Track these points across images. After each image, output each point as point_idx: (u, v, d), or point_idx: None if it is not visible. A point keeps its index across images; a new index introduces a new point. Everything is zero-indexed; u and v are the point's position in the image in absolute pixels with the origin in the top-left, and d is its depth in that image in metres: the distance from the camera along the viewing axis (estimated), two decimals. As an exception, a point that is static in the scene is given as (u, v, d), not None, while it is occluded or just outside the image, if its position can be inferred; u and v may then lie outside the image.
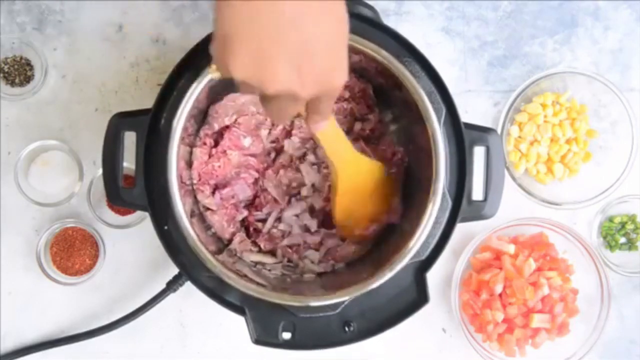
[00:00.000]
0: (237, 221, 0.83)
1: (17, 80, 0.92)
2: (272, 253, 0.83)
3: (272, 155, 0.84)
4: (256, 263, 0.82)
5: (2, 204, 0.92)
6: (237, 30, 0.54)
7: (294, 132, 0.83)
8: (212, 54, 0.56)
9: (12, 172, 0.90)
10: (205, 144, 0.81)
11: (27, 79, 0.92)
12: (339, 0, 0.57)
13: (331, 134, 0.73)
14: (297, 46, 0.54)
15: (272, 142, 0.83)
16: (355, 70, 0.82)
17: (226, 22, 0.54)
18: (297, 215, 0.83)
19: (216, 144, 0.82)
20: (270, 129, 0.83)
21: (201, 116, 0.82)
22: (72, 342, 0.90)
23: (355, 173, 0.78)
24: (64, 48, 0.92)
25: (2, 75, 0.92)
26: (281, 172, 0.83)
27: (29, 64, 0.92)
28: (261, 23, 0.53)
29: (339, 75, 0.58)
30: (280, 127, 0.83)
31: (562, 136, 0.92)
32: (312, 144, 0.83)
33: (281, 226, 0.83)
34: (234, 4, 0.53)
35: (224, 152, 0.82)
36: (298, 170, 0.83)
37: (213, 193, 0.82)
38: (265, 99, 0.58)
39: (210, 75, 0.62)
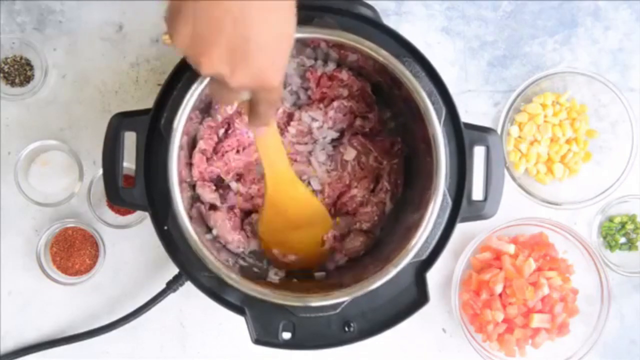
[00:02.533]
0: (240, 219, 0.83)
1: (17, 80, 0.92)
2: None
3: None
4: (259, 265, 0.83)
5: (2, 204, 0.92)
6: (185, 7, 0.56)
7: (292, 123, 0.83)
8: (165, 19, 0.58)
9: (12, 172, 0.90)
10: (210, 139, 0.81)
11: (27, 79, 0.92)
12: (290, 1, 0.58)
13: (270, 144, 0.75)
14: (237, 37, 0.56)
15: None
16: (354, 68, 0.82)
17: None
18: None
19: (220, 140, 0.83)
20: None
21: (207, 109, 0.82)
22: (72, 342, 0.90)
23: (286, 194, 0.79)
24: (64, 48, 0.92)
25: (2, 75, 0.92)
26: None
27: (28, 64, 0.92)
28: (202, 4, 0.55)
29: (273, 75, 0.60)
30: (281, 111, 0.83)
31: (562, 136, 0.92)
32: (310, 138, 0.84)
33: None
34: None
35: (228, 151, 0.82)
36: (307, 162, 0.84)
37: (216, 189, 0.82)
38: (211, 84, 0.62)
39: (164, 40, 0.64)
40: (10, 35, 0.92)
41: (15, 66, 0.92)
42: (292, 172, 0.79)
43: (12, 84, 0.92)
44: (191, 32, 0.56)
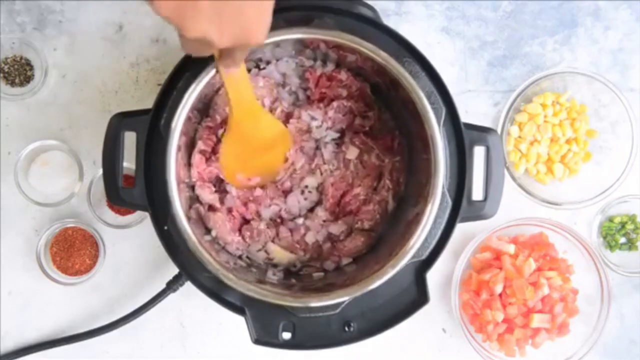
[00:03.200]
0: (239, 220, 0.83)
1: (17, 80, 0.92)
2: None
3: None
4: (257, 264, 0.82)
5: (2, 204, 0.92)
6: None
7: (291, 120, 0.83)
8: None
9: (12, 172, 0.90)
10: (209, 139, 0.81)
11: (27, 79, 0.92)
12: None
13: (238, 80, 0.73)
14: None
15: None
16: (353, 69, 0.82)
17: None
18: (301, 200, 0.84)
19: (219, 140, 0.83)
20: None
21: (205, 109, 0.82)
22: (72, 342, 0.90)
23: (251, 123, 0.78)
24: (64, 48, 0.92)
25: (2, 75, 0.92)
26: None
27: (28, 64, 0.92)
28: None
29: (259, 33, 0.60)
30: (279, 111, 0.83)
31: (562, 136, 0.92)
32: (309, 137, 0.84)
33: (284, 214, 0.84)
34: None
35: None
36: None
37: (216, 191, 0.82)
38: (183, 37, 0.60)
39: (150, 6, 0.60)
40: (10, 35, 0.92)
41: (15, 66, 0.92)
42: (258, 103, 0.78)
43: (12, 83, 0.92)
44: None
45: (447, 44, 0.94)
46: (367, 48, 0.74)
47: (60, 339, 0.91)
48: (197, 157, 0.81)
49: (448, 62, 0.94)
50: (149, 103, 0.75)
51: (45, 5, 0.92)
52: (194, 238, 0.73)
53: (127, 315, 0.88)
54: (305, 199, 0.84)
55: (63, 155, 0.92)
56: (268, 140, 0.80)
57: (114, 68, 0.92)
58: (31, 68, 0.93)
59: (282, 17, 0.74)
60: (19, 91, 0.92)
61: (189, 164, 0.81)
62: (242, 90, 0.75)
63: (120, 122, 0.75)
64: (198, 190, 0.81)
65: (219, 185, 0.83)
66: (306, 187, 0.84)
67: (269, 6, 0.60)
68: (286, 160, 0.83)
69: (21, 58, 0.92)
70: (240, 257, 0.82)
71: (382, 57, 0.73)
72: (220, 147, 0.80)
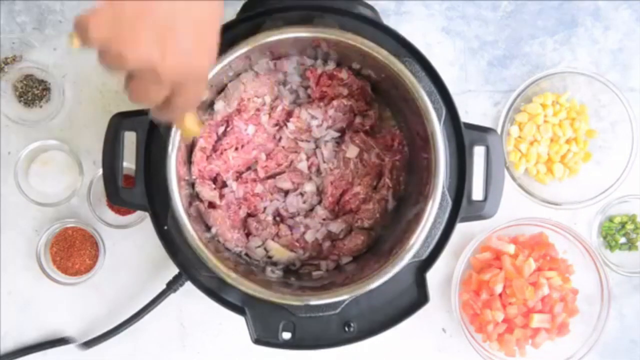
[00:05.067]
0: (239, 217, 0.83)
1: (30, 97, 0.92)
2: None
3: (277, 137, 0.84)
4: (256, 263, 0.83)
5: (2, 204, 0.92)
6: None
7: (291, 119, 0.83)
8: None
9: (12, 172, 0.90)
10: (209, 137, 0.81)
11: (42, 98, 0.92)
12: None
13: (184, 130, 0.70)
14: (164, 18, 0.52)
15: (275, 125, 0.84)
16: (353, 67, 0.82)
17: None
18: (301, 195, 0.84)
19: (219, 137, 0.83)
20: (269, 113, 0.83)
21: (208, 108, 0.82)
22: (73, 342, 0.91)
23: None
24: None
25: (17, 94, 0.92)
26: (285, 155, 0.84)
27: (46, 87, 0.92)
28: None
29: (203, 57, 0.56)
30: (280, 108, 0.83)
31: (562, 136, 0.92)
32: (309, 136, 0.84)
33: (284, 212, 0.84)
34: None
35: (227, 149, 0.82)
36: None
37: (215, 188, 0.82)
38: (128, 80, 0.56)
39: (70, 43, 0.54)
40: (10, 35, 0.92)
41: (29, 84, 0.92)
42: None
43: (27, 102, 0.92)
44: (111, 18, 0.51)
45: (447, 44, 0.94)
46: (368, 47, 0.74)
47: (60, 339, 0.91)
48: (198, 155, 0.81)
49: (448, 62, 0.94)
50: (149, 103, 0.75)
51: (45, 5, 0.92)
52: (194, 237, 0.73)
53: (128, 318, 0.88)
54: (304, 202, 0.84)
55: (63, 155, 0.92)
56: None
57: (114, 68, 0.92)
58: (45, 85, 0.92)
59: (282, 17, 0.74)
60: (37, 116, 0.92)
61: (189, 162, 0.81)
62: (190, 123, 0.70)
63: (120, 122, 0.76)
64: (198, 188, 0.81)
65: (219, 182, 0.83)
66: (303, 193, 0.84)
67: (214, 29, 0.56)
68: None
69: (40, 81, 0.92)
70: (239, 255, 0.82)
71: (383, 55, 0.74)
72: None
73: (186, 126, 0.68)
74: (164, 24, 0.53)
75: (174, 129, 0.73)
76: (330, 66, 0.82)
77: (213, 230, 0.81)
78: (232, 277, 0.73)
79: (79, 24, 0.52)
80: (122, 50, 0.52)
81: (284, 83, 0.84)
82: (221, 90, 0.81)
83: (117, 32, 0.52)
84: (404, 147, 0.84)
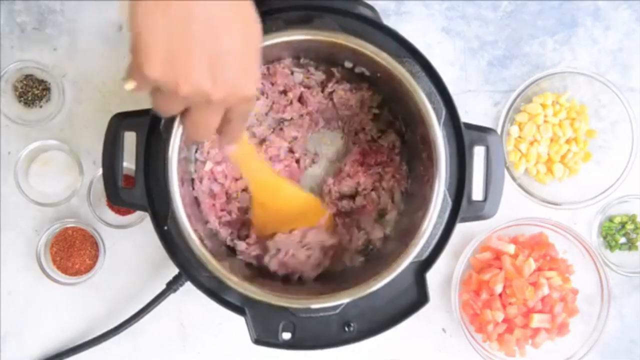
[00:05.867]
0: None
1: (30, 97, 0.92)
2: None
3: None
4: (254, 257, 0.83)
5: (2, 204, 0.92)
6: (150, 29, 0.54)
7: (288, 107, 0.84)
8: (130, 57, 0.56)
9: (12, 172, 0.90)
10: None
11: (41, 97, 0.92)
12: (247, 1, 0.58)
13: (243, 153, 0.75)
14: (210, 46, 0.55)
15: (261, 142, 0.84)
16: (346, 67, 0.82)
17: (140, 21, 0.54)
18: None
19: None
20: (269, 109, 0.84)
21: None
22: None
23: (273, 195, 0.79)
24: (64, 48, 0.92)
25: (16, 94, 0.92)
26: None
27: (46, 87, 0.92)
28: (173, 22, 0.54)
29: (251, 81, 0.59)
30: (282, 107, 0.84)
31: (562, 136, 0.92)
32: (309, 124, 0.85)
33: None
34: (145, 3, 0.54)
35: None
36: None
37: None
38: (182, 116, 0.60)
39: (126, 86, 0.57)
40: (10, 36, 0.92)
41: (29, 84, 0.92)
42: (274, 174, 0.79)
43: (27, 102, 0.92)
44: (164, 56, 0.54)
45: (447, 44, 0.94)
46: (367, 48, 0.73)
47: (63, 352, 0.91)
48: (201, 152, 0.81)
49: (448, 62, 0.94)
50: (149, 103, 0.74)
51: (45, 5, 0.92)
52: (194, 237, 0.73)
53: (127, 319, 0.88)
54: (309, 256, 0.82)
55: (63, 155, 0.92)
56: (295, 212, 0.81)
57: (114, 68, 0.92)
58: (45, 85, 0.92)
59: (282, 17, 0.74)
60: (37, 116, 0.92)
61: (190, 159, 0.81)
62: (252, 163, 0.77)
63: (120, 122, 0.75)
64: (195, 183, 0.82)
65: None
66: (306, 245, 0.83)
67: (257, 56, 0.59)
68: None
69: (32, 77, 0.92)
70: (229, 247, 0.82)
71: (382, 57, 0.73)
72: (251, 215, 0.82)
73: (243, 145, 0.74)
74: (211, 50, 0.55)
75: (174, 129, 0.73)
76: (320, 73, 0.82)
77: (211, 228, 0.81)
78: (232, 279, 0.73)
79: (134, 65, 0.55)
80: (175, 84, 0.55)
81: (285, 92, 0.84)
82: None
83: (170, 66, 0.55)
84: (404, 152, 0.84)
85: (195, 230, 0.74)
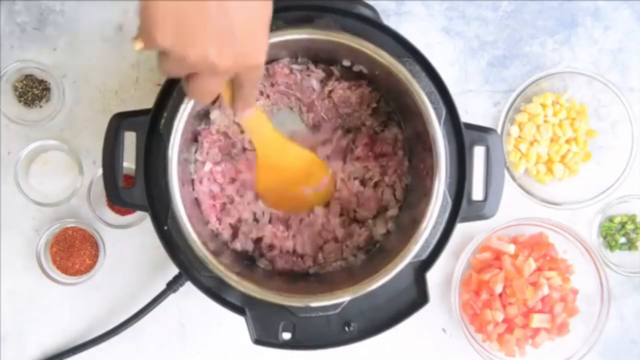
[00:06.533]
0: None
1: (30, 97, 0.92)
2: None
3: None
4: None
5: (2, 204, 0.92)
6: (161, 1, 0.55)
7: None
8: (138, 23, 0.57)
9: (12, 172, 0.90)
10: (211, 132, 0.82)
11: (42, 97, 0.92)
12: None
13: (256, 121, 0.75)
14: (221, 19, 0.56)
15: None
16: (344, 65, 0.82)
17: None
18: None
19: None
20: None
21: (206, 112, 0.82)
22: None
23: (278, 157, 0.80)
24: (64, 48, 0.92)
25: (16, 94, 0.92)
26: None
27: (46, 87, 0.92)
28: None
29: (258, 52, 0.60)
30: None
31: (562, 136, 0.92)
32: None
33: None
34: None
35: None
36: None
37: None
38: (187, 79, 0.61)
39: (135, 46, 0.59)
40: (11, 36, 0.92)
41: (29, 84, 0.92)
42: (280, 135, 0.79)
43: (27, 102, 0.92)
44: (176, 24, 0.56)
45: (447, 44, 0.94)
46: (368, 48, 0.74)
47: (63, 352, 0.91)
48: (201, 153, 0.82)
49: (448, 62, 0.94)
50: (149, 103, 0.75)
51: (45, 5, 0.92)
52: (194, 237, 0.73)
53: (128, 318, 0.88)
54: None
55: (63, 155, 0.92)
56: (300, 171, 0.82)
57: (114, 68, 0.92)
58: (45, 85, 0.92)
59: (282, 17, 0.74)
60: (37, 116, 0.92)
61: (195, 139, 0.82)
62: (261, 128, 0.77)
63: (120, 122, 0.75)
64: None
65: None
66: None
67: (266, 23, 0.60)
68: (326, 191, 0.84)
69: (32, 77, 0.92)
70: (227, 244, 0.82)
71: (383, 56, 0.73)
72: (256, 181, 0.82)
73: (256, 119, 0.74)
74: (222, 26, 0.56)
75: (174, 129, 0.73)
76: (319, 70, 0.82)
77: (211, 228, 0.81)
78: (232, 278, 0.73)
79: (145, 29, 0.56)
80: (183, 53, 0.57)
81: (287, 94, 0.84)
82: (215, 99, 0.81)
83: (179, 34, 0.56)
84: (404, 147, 0.84)
85: (198, 232, 0.74)
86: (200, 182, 0.82)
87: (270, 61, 0.81)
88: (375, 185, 0.84)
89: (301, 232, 0.83)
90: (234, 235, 0.83)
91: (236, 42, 0.58)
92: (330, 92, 0.83)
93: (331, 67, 0.82)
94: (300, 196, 0.83)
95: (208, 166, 0.82)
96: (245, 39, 0.58)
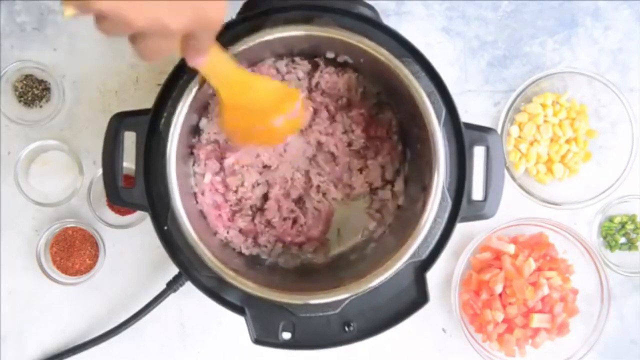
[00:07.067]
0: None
1: (30, 97, 0.92)
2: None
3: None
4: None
5: (2, 204, 0.92)
6: None
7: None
8: None
9: (12, 172, 0.90)
10: (204, 144, 0.82)
11: (42, 97, 0.92)
12: None
13: (212, 63, 0.67)
14: None
15: None
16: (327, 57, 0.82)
17: None
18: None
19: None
20: None
21: (205, 107, 0.82)
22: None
23: (243, 92, 0.72)
24: (64, 48, 0.92)
25: (16, 94, 0.92)
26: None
27: (46, 87, 0.92)
28: None
29: (218, 7, 0.53)
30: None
31: (562, 136, 0.92)
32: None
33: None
34: None
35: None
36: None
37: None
38: (134, 37, 0.53)
39: (65, 12, 0.49)
40: (11, 36, 0.92)
41: (29, 84, 0.92)
42: (244, 71, 0.73)
43: (27, 102, 0.92)
44: None
45: (447, 44, 0.94)
46: (368, 46, 0.74)
47: (63, 352, 0.91)
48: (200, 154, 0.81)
49: (448, 62, 0.94)
50: (149, 103, 0.75)
51: (45, 5, 0.92)
52: (194, 237, 0.73)
53: (128, 318, 0.88)
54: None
55: (63, 155, 0.92)
56: (268, 104, 0.76)
57: (114, 68, 0.93)
58: (45, 85, 0.92)
59: (282, 16, 0.74)
60: (37, 116, 0.92)
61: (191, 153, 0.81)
62: (220, 67, 0.69)
63: (120, 122, 0.75)
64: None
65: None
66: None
67: None
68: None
69: (32, 77, 0.92)
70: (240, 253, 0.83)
71: (384, 55, 0.73)
72: (219, 122, 0.77)
73: (218, 65, 0.68)
74: None
75: (173, 128, 0.73)
76: (305, 62, 0.82)
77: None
78: (232, 275, 0.73)
79: None
80: (127, 16, 0.49)
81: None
82: (205, 107, 0.81)
83: (121, 2, 0.48)
84: (404, 147, 0.84)
85: (207, 244, 0.74)
86: (203, 194, 0.82)
87: (254, 63, 0.81)
88: (367, 164, 0.84)
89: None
90: (245, 240, 0.83)
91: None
92: (317, 84, 0.83)
93: (316, 59, 0.82)
94: (272, 128, 0.77)
95: (208, 177, 0.82)
96: None
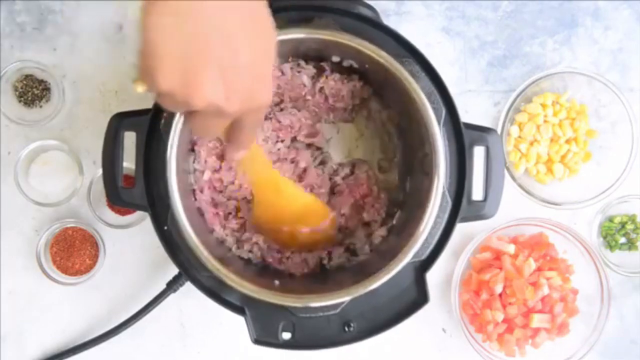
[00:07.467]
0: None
1: (30, 97, 0.92)
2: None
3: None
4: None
5: (2, 204, 0.92)
6: (163, 38, 0.51)
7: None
8: (137, 64, 0.54)
9: (12, 172, 0.90)
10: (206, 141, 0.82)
11: (42, 97, 0.92)
12: (263, 8, 0.56)
13: (249, 158, 0.73)
14: (224, 57, 0.53)
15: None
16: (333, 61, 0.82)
17: (153, 34, 0.52)
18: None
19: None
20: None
21: None
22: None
23: (273, 192, 0.79)
24: (64, 48, 0.92)
25: (16, 94, 0.92)
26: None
27: (46, 87, 0.92)
28: (187, 30, 0.51)
29: (265, 91, 0.57)
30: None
31: (562, 136, 0.92)
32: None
33: None
34: (158, 10, 0.51)
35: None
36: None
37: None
38: (189, 115, 0.57)
39: (136, 89, 0.56)
40: (11, 36, 0.92)
41: (29, 84, 0.92)
42: (276, 175, 0.79)
43: (27, 102, 0.92)
44: (178, 66, 0.52)
45: (447, 44, 0.94)
46: (368, 48, 0.73)
47: (63, 352, 0.91)
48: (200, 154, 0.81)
49: (448, 62, 0.94)
50: (149, 103, 0.75)
51: (45, 5, 0.92)
52: (194, 237, 0.73)
53: (128, 318, 0.88)
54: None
55: (63, 155, 0.92)
56: (295, 213, 0.81)
57: (114, 68, 0.92)
58: (45, 85, 0.92)
59: (282, 16, 0.74)
60: (37, 116, 0.92)
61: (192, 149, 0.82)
62: (258, 168, 0.77)
63: (120, 122, 0.75)
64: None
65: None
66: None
67: (270, 64, 0.58)
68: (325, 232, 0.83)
69: (32, 77, 0.92)
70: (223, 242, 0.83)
71: (383, 57, 0.73)
72: (251, 213, 0.82)
73: (255, 157, 0.74)
74: (227, 65, 0.53)
75: (173, 128, 0.73)
76: (310, 67, 0.82)
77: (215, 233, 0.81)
78: (232, 278, 0.73)
79: (145, 72, 0.53)
80: (189, 96, 0.53)
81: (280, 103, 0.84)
82: None
83: (182, 79, 0.52)
84: (404, 147, 0.84)
85: (204, 242, 0.74)
86: (202, 192, 0.81)
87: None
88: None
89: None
90: (235, 241, 0.83)
91: (244, 83, 0.54)
92: (321, 88, 0.83)
93: (322, 63, 0.82)
94: (297, 235, 0.82)
95: (207, 175, 0.82)
96: (253, 78, 0.55)
